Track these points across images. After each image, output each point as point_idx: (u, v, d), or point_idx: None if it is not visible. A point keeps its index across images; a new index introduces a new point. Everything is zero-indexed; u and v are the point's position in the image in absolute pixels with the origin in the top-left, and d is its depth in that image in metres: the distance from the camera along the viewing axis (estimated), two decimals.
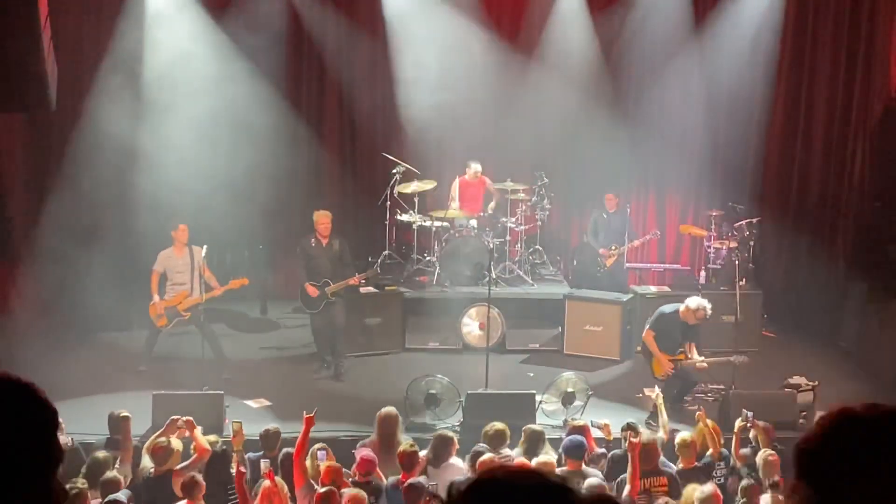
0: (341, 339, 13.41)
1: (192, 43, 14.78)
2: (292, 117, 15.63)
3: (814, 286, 16.25)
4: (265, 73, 15.14)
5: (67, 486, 8.51)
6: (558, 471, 9.27)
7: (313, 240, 13.32)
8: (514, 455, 9.76)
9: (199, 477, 8.87)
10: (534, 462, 9.21)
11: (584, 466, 9.30)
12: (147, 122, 14.46)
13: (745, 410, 10.28)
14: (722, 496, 8.74)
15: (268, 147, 15.11)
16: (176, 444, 9.45)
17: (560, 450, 9.59)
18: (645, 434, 9.83)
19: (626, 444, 9.48)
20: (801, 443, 2.07)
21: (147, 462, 9.41)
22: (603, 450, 10.03)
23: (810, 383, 12.35)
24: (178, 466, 9.23)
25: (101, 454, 9.37)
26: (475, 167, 15.47)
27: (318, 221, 13.31)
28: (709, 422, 10.25)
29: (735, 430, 10.13)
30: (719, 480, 9.66)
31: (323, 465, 9.16)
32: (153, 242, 13.41)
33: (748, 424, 10.08)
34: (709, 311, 12.06)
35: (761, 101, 16.06)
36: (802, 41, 16.19)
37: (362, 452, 9.44)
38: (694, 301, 12.09)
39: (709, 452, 10.03)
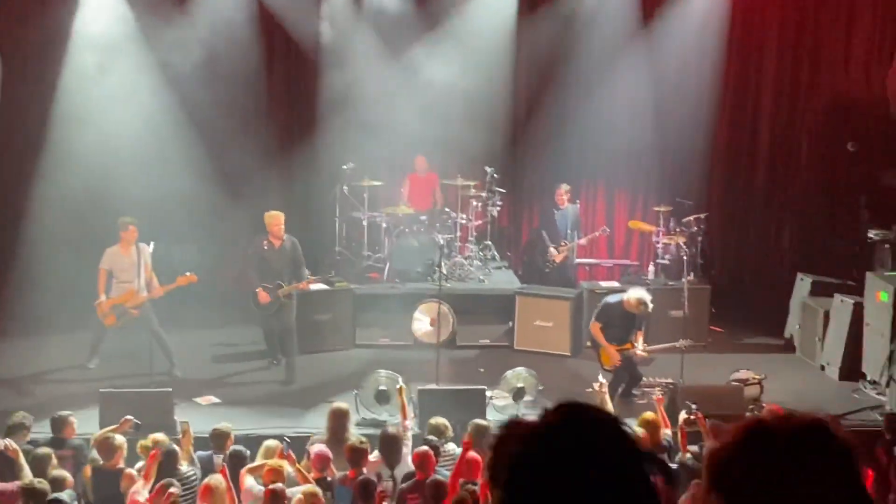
0: (292, 340, 13.30)
1: (136, 36, 14.68)
2: (242, 112, 15.50)
3: (760, 281, 16.46)
4: (214, 68, 15.00)
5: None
6: None
7: (266, 242, 13.13)
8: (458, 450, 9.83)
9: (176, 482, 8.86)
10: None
11: None
12: (95, 116, 14.37)
13: (688, 403, 10.36)
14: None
15: (216, 142, 15.02)
16: (120, 440, 9.42)
17: None
18: None
19: None
20: (712, 451, 2.08)
21: (96, 455, 9.41)
22: None
23: (757, 377, 12.48)
24: (129, 470, 9.19)
25: (41, 451, 9.33)
26: (423, 162, 15.59)
27: (270, 223, 13.09)
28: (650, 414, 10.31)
29: (679, 423, 10.18)
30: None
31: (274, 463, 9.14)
32: (102, 239, 13.26)
33: (692, 417, 10.14)
34: (649, 304, 12.20)
35: (709, 98, 16.19)
36: (749, 38, 16.38)
37: (316, 448, 9.43)
38: (634, 293, 12.25)
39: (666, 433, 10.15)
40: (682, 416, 10.21)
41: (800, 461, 1.98)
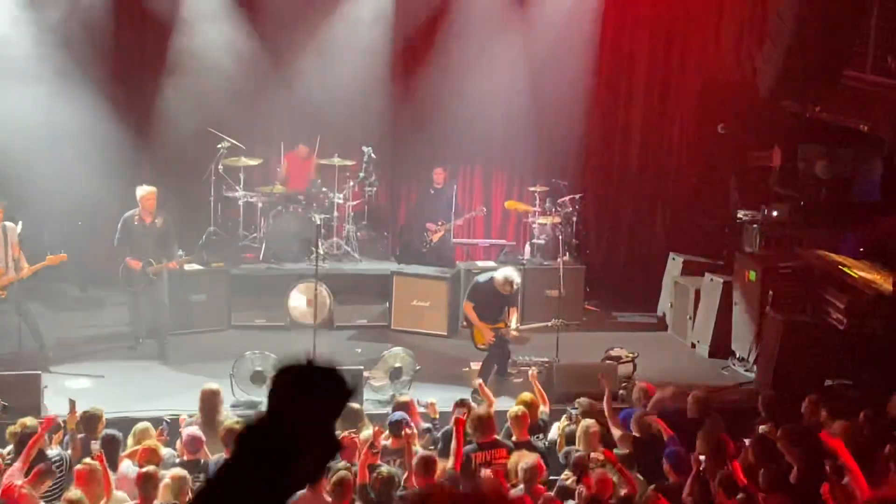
0: (165, 318, 13.08)
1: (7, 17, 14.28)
2: (115, 90, 15.14)
3: (634, 260, 16.76)
4: (88, 47, 14.62)
5: None
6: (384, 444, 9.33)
7: (137, 217, 12.87)
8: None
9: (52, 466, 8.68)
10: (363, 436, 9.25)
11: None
12: None
13: (569, 409, 10.46)
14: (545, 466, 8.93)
15: (88, 120, 14.63)
16: None
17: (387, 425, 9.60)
18: (475, 409, 9.93)
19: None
20: None
21: None
22: (428, 425, 10.08)
23: (630, 355, 12.73)
24: None
25: None
26: (304, 151, 15.51)
27: (142, 198, 12.84)
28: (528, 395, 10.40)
29: (559, 428, 10.24)
30: (543, 444, 9.86)
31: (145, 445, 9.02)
32: None
33: (571, 423, 10.20)
34: (516, 283, 12.33)
35: (583, 79, 16.30)
36: (623, 20, 16.59)
37: (189, 430, 9.32)
38: (502, 272, 12.37)
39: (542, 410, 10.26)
40: (563, 421, 10.29)
41: None
